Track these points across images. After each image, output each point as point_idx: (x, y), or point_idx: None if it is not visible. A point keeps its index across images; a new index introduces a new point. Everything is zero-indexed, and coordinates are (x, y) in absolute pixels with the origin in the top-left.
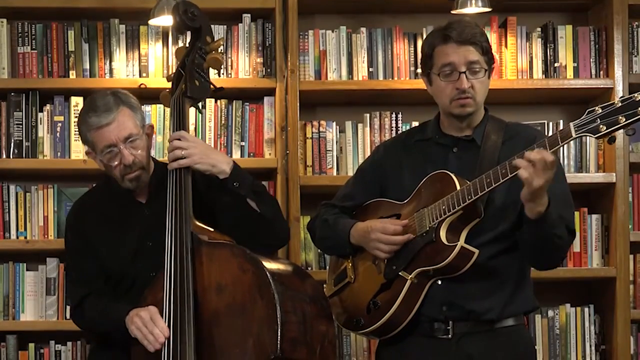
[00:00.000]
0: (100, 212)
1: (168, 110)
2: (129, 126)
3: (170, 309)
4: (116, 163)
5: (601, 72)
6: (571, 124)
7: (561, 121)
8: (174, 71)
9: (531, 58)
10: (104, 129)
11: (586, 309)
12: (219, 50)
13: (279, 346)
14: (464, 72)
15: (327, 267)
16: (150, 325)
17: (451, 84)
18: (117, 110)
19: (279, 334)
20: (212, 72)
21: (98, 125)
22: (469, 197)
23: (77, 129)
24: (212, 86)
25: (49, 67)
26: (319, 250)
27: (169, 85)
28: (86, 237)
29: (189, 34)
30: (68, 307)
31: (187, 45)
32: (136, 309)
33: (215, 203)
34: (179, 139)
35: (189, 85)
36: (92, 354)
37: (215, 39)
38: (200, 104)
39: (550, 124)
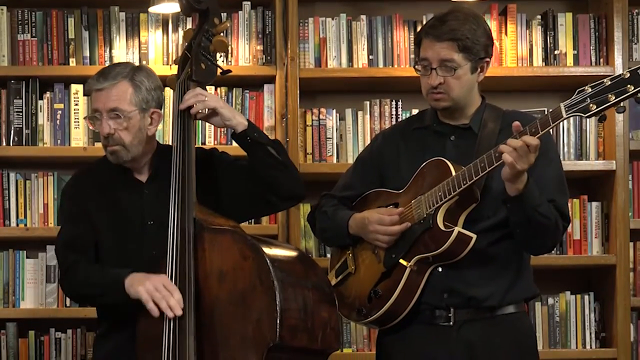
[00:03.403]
0: (99, 190)
1: (170, 96)
2: (120, 100)
3: None
4: (97, 130)
5: (601, 60)
6: (561, 105)
7: None
8: (180, 54)
9: (531, 46)
10: (96, 93)
11: (586, 297)
12: (224, 33)
13: (277, 334)
14: (435, 69)
15: (329, 259)
16: (164, 291)
17: (425, 78)
18: (117, 80)
19: (277, 322)
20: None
21: (93, 87)
22: (464, 182)
23: (77, 117)
24: (219, 69)
25: (49, 54)
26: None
27: (169, 72)
28: (84, 208)
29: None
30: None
31: (195, 27)
32: (141, 273)
33: (235, 174)
34: (201, 93)
35: (194, 68)
36: (98, 341)
37: (223, 21)
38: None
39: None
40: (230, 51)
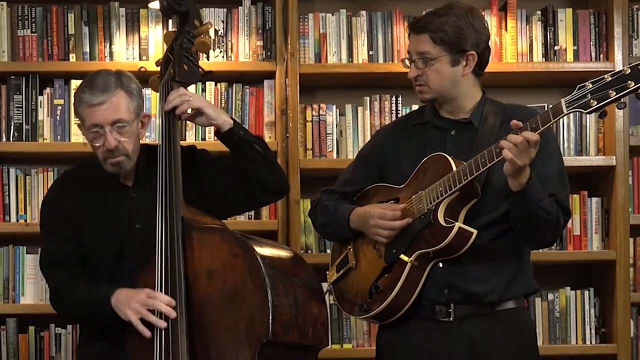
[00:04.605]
0: (85, 193)
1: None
2: (120, 111)
3: None
4: (99, 144)
5: (601, 55)
6: (562, 100)
7: None
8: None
9: (531, 41)
10: (94, 108)
11: (586, 292)
12: (207, 34)
13: (270, 330)
14: (413, 61)
15: (331, 254)
16: (151, 302)
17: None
18: (112, 92)
19: (270, 318)
20: (212, 55)
21: (90, 103)
22: (465, 177)
23: None
24: (200, 70)
25: (49, 50)
26: (318, 234)
27: None
28: (68, 217)
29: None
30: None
31: (176, 29)
32: (125, 291)
33: (219, 171)
34: (185, 94)
35: (177, 70)
36: (82, 344)
37: (204, 22)
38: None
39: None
40: (230, 47)
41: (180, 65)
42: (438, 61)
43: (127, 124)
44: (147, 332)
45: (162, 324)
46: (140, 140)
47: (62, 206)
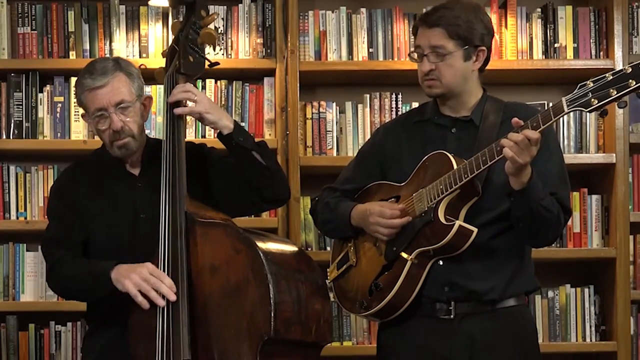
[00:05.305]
0: (91, 182)
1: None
2: (122, 92)
3: None
4: (105, 127)
5: (601, 53)
6: (563, 99)
7: None
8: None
9: (531, 39)
10: (96, 92)
11: (586, 290)
12: (212, 25)
13: (272, 327)
14: (426, 55)
15: (331, 252)
16: (153, 280)
17: (419, 66)
18: (112, 74)
19: (272, 315)
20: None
21: (92, 87)
22: (466, 175)
23: (77, 110)
24: (207, 61)
25: (49, 47)
26: (319, 232)
27: None
28: (74, 205)
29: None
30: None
31: (182, 20)
32: (126, 265)
33: (222, 171)
34: (190, 91)
35: (182, 61)
36: (87, 339)
37: (210, 13)
38: (195, 80)
39: (550, 104)
40: (230, 44)
41: (185, 57)
42: (452, 56)
43: (130, 104)
44: (145, 304)
45: (162, 302)
46: (144, 121)
47: (70, 194)
